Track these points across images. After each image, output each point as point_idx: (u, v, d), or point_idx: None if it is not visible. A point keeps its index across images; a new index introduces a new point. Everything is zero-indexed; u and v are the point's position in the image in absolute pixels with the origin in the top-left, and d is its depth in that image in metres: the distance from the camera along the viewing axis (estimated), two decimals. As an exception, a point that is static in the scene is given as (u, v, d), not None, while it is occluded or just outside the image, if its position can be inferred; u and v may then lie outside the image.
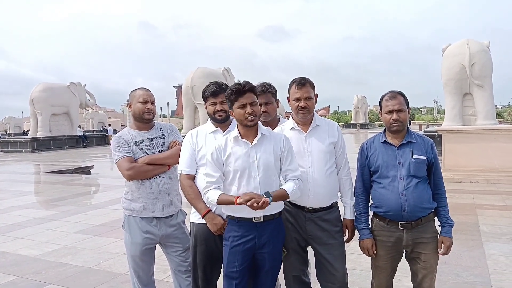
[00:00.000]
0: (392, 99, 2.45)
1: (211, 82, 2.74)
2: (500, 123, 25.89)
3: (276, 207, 2.40)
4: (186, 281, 2.76)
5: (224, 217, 2.48)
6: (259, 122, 2.44)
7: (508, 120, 42.47)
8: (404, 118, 2.43)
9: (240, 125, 2.40)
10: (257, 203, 2.16)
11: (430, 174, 2.48)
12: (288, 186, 2.38)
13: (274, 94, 3.00)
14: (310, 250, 2.71)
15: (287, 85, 2.70)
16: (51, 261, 4.66)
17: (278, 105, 3.07)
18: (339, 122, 57.08)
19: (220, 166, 2.37)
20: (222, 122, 2.65)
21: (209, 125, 2.73)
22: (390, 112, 2.44)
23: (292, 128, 2.64)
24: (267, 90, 2.93)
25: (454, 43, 13.75)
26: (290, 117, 2.72)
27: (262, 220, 2.35)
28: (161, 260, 3.50)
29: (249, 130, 2.38)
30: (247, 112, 2.32)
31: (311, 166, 2.55)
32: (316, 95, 2.66)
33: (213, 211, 2.52)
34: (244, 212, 2.31)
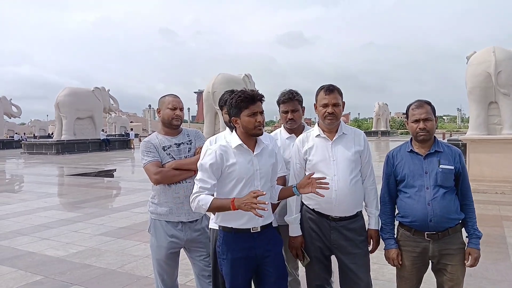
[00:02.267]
0: (419, 108, 2.44)
1: (226, 91, 2.80)
2: (527, 133, 25.16)
3: (269, 217, 2.38)
4: (209, 286, 2.78)
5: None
6: None
7: (535, 130, 41.21)
8: (431, 127, 2.41)
9: (243, 133, 2.34)
10: (258, 206, 2.05)
11: (458, 184, 2.44)
12: (278, 188, 2.56)
13: (300, 102, 3.01)
14: (333, 258, 2.70)
15: (307, 91, 2.72)
16: (75, 262, 4.77)
17: (303, 113, 3.09)
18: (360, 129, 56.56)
19: (217, 174, 2.29)
20: None
21: (228, 133, 2.74)
22: (417, 121, 2.42)
23: (318, 135, 2.63)
24: (294, 98, 2.94)
25: (480, 51, 13.45)
26: (316, 124, 2.72)
27: (259, 230, 2.32)
28: (183, 264, 3.53)
29: (250, 139, 2.36)
30: (258, 121, 2.29)
31: (336, 174, 2.54)
32: (343, 103, 2.65)
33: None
34: (241, 222, 2.28)
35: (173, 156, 2.77)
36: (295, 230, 2.65)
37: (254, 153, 2.36)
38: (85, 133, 29.12)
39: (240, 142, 2.34)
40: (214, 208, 2.24)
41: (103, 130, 32.08)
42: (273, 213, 2.54)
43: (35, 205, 8.50)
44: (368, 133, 49.80)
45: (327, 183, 2.33)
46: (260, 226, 2.33)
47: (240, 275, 2.32)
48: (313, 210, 2.62)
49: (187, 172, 2.74)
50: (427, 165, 2.42)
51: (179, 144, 2.82)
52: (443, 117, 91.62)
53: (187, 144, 2.85)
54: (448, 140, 16.85)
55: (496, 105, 13.03)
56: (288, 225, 2.69)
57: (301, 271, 3.02)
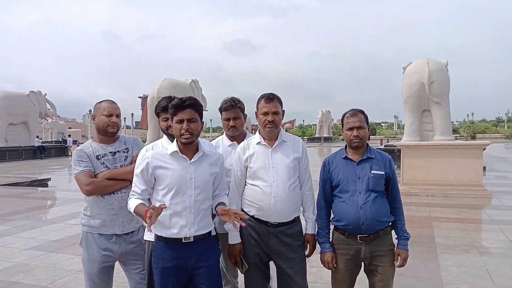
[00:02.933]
0: (353, 116, 2.54)
1: (163, 97, 2.75)
2: (456, 139, 27.07)
3: (205, 227, 2.34)
4: (145, 299, 2.70)
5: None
6: (200, 139, 2.41)
7: (463, 136, 44.50)
8: (364, 135, 2.52)
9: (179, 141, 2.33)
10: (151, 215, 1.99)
11: (388, 188, 2.57)
12: (225, 200, 2.45)
13: (242, 109, 3.03)
14: (272, 264, 2.73)
15: (254, 99, 2.74)
16: (0, 280, 4.41)
17: (245, 120, 3.11)
18: (304, 136, 57.94)
19: (148, 181, 2.28)
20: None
21: (165, 140, 2.72)
22: (351, 129, 2.52)
23: (259, 143, 2.67)
24: (236, 105, 2.97)
25: (415, 62, 14.34)
26: (257, 132, 2.75)
27: (192, 240, 2.29)
28: (119, 277, 3.40)
29: (188, 146, 2.32)
30: (183, 128, 2.26)
31: (275, 181, 2.58)
32: (283, 111, 2.71)
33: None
34: (173, 231, 2.25)
35: (108, 165, 2.65)
36: (234, 238, 2.65)
37: (191, 160, 2.32)
38: (18, 140, 27.27)
39: (176, 149, 2.30)
40: (136, 213, 2.25)
41: (38, 137, 30.22)
42: (212, 220, 2.52)
43: (-43, 219, 7.80)
44: (312, 139, 51.19)
45: (247, 217, 2.35)
46: (193, 236, 2.29)
47: (170, 285, 2.28)
48: (252, 216, 2.63)
49: (122, 182, 2.63)
50: (360, 170, 2.53)
51: (115, 153, 2.71)
52: (381, 124, 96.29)
53: (124, 152, 2.74)
54: (385, 146, 17.74)
55: (429, 113, 13.94)
56: (227, 233, 2.68)
57: (240, 279, 3.01)
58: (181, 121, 2.27)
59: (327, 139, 47.96)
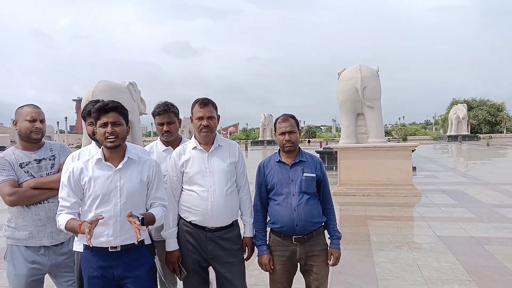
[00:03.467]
0: (284, 121, 2.63)
1: (90, 101, 2.67)
2: (389, 140, 28.61)
3: (134, 237, 2.13)
4: (78, 312, 2.58)
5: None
6: (127, 144, 2.36)
7: (395, 138, 47.20)
8: (295, 139, 2.61)
9: (104, 146, 2.26)
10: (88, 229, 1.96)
11: (320, 190, 2.67)
12: (156, 211, 2.30)
13: (177, 114, 3.00)
14: (211, 269, 2.72)
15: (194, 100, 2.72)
16: None
17: (180, 125, 3.08)
18: (247, 139, 58.35)
19: (77, 191, 2.20)
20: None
21: (94, 147, 2.63)
22: (283, 133, 2.61)
23: (195, 148, 2.66)
24: (170, 110, 2.93)
25: (348, 68, 14.96)
26: (193, 137, 2.74)
27: (119, 249, 2.22)
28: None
29: (114, 153, 2.26)
30: (107, 131, 2.21)
31: (212, 185, 2.59)
32: (218, 116, 2.72)
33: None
34: (98, 241, 2.17)
35: (32, 173, 2.52)
36: (172, 245, 2.62)
37: (116, 168, 2.24)
38: None
39: (99, 156, 2.23)
40: (68, 228, 2.14)
41: (-41, 143, 27.79)
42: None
43: None
44: (255, 143, 51.69)
45: (144, 229, 2.21)
46: (121, 246, 2.22)
47: None
48: (189, 222, 2.62)
49: (49, 191, 2.51)
50: (293, 173, 2.61)
51: (40, 160, 2.57)
52: (320, 127, 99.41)
53: (50, 159, 2.61)
54: (323, 148, 18.34)
55: (363, 116, 14.59)
56: (164, 240, 2.64)
57: (180, 286, 2.97)
58: (105, 125, 2.21)
59: (270, 142, 48.66)
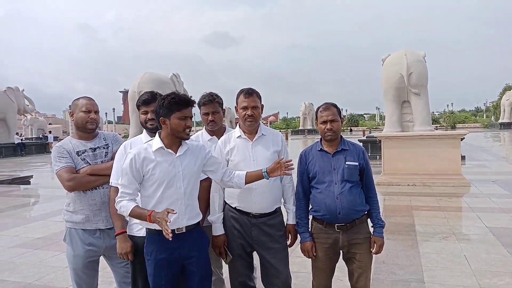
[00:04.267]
0: (326, 110, 2.63)
1: (146, 92, 2.79)
2: (436, 129, 27.57)
3: (195, 217, 2.41)
4: (131, 292, 2.74)
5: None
6: None
7: (443, 126, 45.34)
8: (337, 128, 2.61)
9: (169, 135, 2.36)
10: (167, 231, 2.08)
11: (363, 179, 2.66)
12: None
13: (221, 104, 3.07)
14: (255, 255, 2.80)
15: (235, 91, 2.79)
16: (-14, 278, 4.40)
17: (224, 115, 3.15)
18: (288, 128, 58.14)
19: (138, 177, 2.31)
20: (154, 131, 2.66)
21: (145, 136, 2.74)
22: (325, 122, 2.61)
23: (239, 137, 2.73)
24: (214, 100, 3.00)
25: (393, 54, 14.54)
26: (237, 126, 2.81)
27: (184, 230, 2.36)
28: (106, 272, 3.42)
29: (173, 141, 2.38)
30: (187, 125, 2.34)
31: None
32: (262, 105, 2.77)
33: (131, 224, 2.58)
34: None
35: (88, 161, 2.68)
36: (218, 229, 2.71)
37: (177, 154, 2.37)
38: (-3, 137, 26.77)
39: (161, 145, 2.34)
40: (134, 216, 2.28)
41: (17, 134, 29.66)
42: (204, 213, 2.59)
43: None
44: (296, 132, 51.43)
45: (293, 165, 2.50)
46: (185, 227, 2.36)
47: (163, 275, 2.33)
48: (235, 208, 2.70)
49: (104, 177, 2.66)
50: (335, 162, 2.62)
51: (95, 149, 2.74)
52: (364, 115, 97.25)
53: (104, 148, 2.77)
54: (366, 137, 17.99)
55: (409, 104, 14.18)
56: (211, 225, 2.74)
57: (225, 270, 3.08)
58: (185, 118, 2.34)
59: (310, 131, 48.22)
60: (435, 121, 49.13)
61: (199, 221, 2.47)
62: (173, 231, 2.29)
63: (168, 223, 2.09)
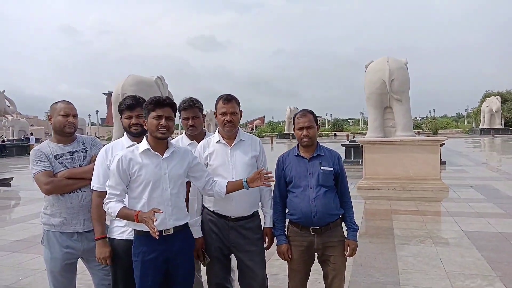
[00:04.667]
0: (302, 117, 2.71)
1: (128, 96, 2.83)
2: (418, 134, 27.95)
3: (182, 218, 2.47)
4: (109, 295, 2.75)
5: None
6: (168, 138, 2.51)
7: (425, 131, 46.08)
8: (313, 134, 2.69)
9: (151, 137, 2.43)
10: (153, 229, 2.14)
11: (337, 184, 2.74)
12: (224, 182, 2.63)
13: (201, 109, 3.12)
14: (233, 257, 2.84)
15: (220, 94, 2.84)
16: (-39, 281, 4.33)
17: (204, 119, 3.20)
18: (273, 132, 58.33)
19: (125, 178, 2.35)
20: (138, 135, 2.71)
21: (126, 140, 2.77)
22: (301, 128, 2.69)
23: (218, 142, 2.78)
24: (194, 105, 3.05)
25: (376, 60, 14.74)
26: (216, 131, 2.86)
27: (171, 232, 2.41)
28: (85, 275, 3.43)
29: (159, 144, 2.43)
30: (161, 123, 2.38)
31: (234, 177, 2.70)
32: (241, 112, 2.83)
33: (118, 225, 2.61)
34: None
35: (66, 165, 2.70)
36: (196, 232, 2.75)
37: (163, 157, 2.42)
38: (-24, 139, 26.22)
39: (147, 147, 2.39)
40: (121, 216, 2.32)
41: (-2, 135, 29.10)
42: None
43: None
44: (281, 136, 51.64)
45: (272, 177, 2.57)
46: (172, 228, 2.40)
47: (150, 276, 2.37)
48: (213, 212, 2.75)
49: (82, 181, 2.68)
50: (310, 167, 2.69)
51: (73, 152, 2.75)
52: (348, 120, 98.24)
53: (82, 152, 2.79)
54: (349, 142, 18.20)
55: (391, 109, 14.36)
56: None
57: (203, 273, 3.11)
58: (159, 117, 2.38)
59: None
60: (417, 126, 49.90)
61: (186, 222, 2.51)
62: (160, 232, 2.32)
63: (154, 221, 2.14)
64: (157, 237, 2.13)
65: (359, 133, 48.69)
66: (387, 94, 13.92)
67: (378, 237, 5.60)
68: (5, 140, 33.67)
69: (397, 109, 14.08)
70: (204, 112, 3.21)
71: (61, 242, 2.68)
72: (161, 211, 2.22)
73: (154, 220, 2.15)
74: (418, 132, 38.84)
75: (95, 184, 2.59)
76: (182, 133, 3.23)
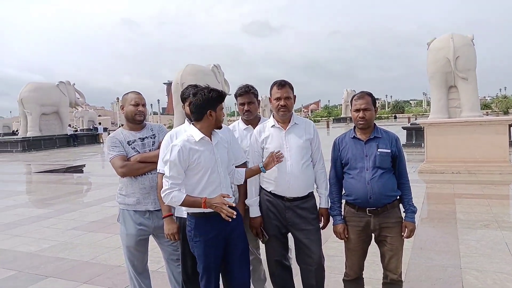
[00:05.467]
0: (360, 98, 2.72)
1: (190, 85, 3.00)
2: (487, 114, 26.25)
3: (232, 199, 2.61)
4: (177, 269, 3.00)
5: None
6: None
7: (495, 111, 43.04)
8: (369, 117, 2.69)
9: (209, 126, 2.56)
10: (229, 213, 2.37)
11: (395, 165, 2.73)
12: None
13: (256, 95, 3.24)
14: (290, 237, 2.97)
15: (275, 80, 2.94)
16: (48, 256, 4.88)
17: (259, 105, 3.32)
18: (329, 116, 57.46)
19: (185, 167, 2.48)
20: None
21: (187, 126, 2.93)
22: (358, 110, 2.70)
23: (273, 126, 2.90)
24: (250, 91, 3.18)
25: (439, 37, 14.05)
26: (271, 116, 2.97)
27: None
28: (155, 253, 3.73)
29: (208, 132, 2.58)
30: (223, 117, 2.59)
31: (289, 159, 2.81)
32: (294, 96, 2.92)
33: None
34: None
35: (138, 149, 2.94)
36: (254, 212, 2.90)
37: (214, 143, 2.58)
38: (51, 129, 28.48)
39: (202, 135, 2.55)
40: (187, 204, 2.48)
41: (70, 125, 31.39)
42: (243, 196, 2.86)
43: (3, 204, 8.44)
44: (338, 120, 50.76)
45: (282, 155, 2.72)
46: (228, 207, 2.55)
47: (212, 254, 2.55)
48: (270, 192, 2.88)
49: (152, 164, 2.91)
50: (367, 149, 2.71)
51: (143, 139, 3.00)
52: (410, 102, 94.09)
53: (151, 138, 3.03)
54: (411, 124, 17.53)
55: (456, 89, 13.71)
56: (248, 208, 2.94)
57: (262, 251, 3.27)
58: (222, 109, 2.58)
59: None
60: (486, 106, 46.72)
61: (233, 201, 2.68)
62: (217, 213, 2.46)
63: (227, 205, 2.37)
64: (234, 216, 2.37)
65: (421, 115, 46.56)
66: (451, 72, 13.29)
67: (439, 221, 5.46)
68: (78, 130, 36.25)
69: (463, 89, 13.40)
70: (259, 98, 3.33)
71: (135, 220, 2.95)
72: (230, 196, 2.40)
73: (226, 204, 2.36)
74: (487, 112, 36.39)
75: (160, 167, 2.79)
76: (238, 119, 3.38)
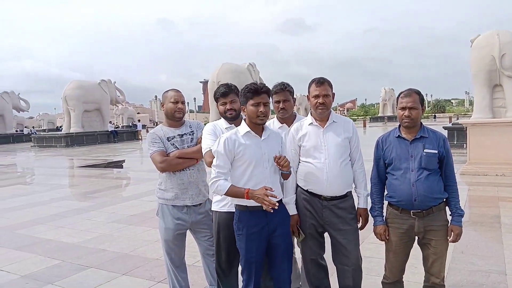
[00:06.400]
0: (407, 96, 2.62)
1: (221, 84, 3.03)
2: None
3: (278, 195, 2.59)
4: (213, 264, 3.03)
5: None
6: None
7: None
8: (415, 116, 2.58)
9: (249, 122, 2.59)
10: (270, 204, 2.35)
11: (442, 167, 2.62)
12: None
13: (291, 93, 3.22)
14: (326, 236, 2.94)
15: (309, 79, 2.91)
16: (90, 247, 5.06)
17: (294, 103, 3.30)
18: (366, 115, 56.36)
19: (230, 158, 2.52)
20: (233, 119, 2.93)
21: (224, 122, 2.99)
22: (403, 108, 2.60)
23: (311, 124, 2.86)
24: (285, 89, 3.15)
25: (483, 34, 13.45)
26: (309, 113, 2.94)
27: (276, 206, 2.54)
28: (191, 247, 3.79)
29: (256, 127, 2.59)
30: (260, 111, 2.53)
31: (327, 158, 2.77)
32: (333, 94, 2.87)
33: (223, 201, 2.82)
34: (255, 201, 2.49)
35: (177, 146, 3.00)
36: (291, 210, 2.87)
37: (262, 138, 2.60)
38: (93, 126, 29.53)
39: (248, 129, 2.58)
40: (230, 194, 2.52)
41: (110, 122, 32.46)
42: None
43: (48, 196, 8.84)
44: (375, 119, 49.69)
45: (286, 159, 2.59)
46: None
47: (254, 248, 2.57)
48: (306, 191, 2.85)
49: (190, 160, 2.97)
50: (412, 149, 2.61)
51: (182, 135, 3.05)
52: (451, 101, 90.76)
53: (190, 134, 3.07)
54: (452, 124, 16.91)
55: (501, 88, 13.07)
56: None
57: (296, 250, 3.25)
58: (258, 104, 2.55)
59: (391, 118, 46.19)
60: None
61: (281, 198, 2.67)
62: (261, 208, 2.47)
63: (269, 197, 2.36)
64: (276, 207, 2.36)
65: (464, 114, 44.83)
66: (496, 70, 12.67)
67: (482, 225, 5.23)
68: (118, 127, 37.48)
69: (509, 87, 12.74)
70: (294, 96, 3.31)
71: (173, 214, 3.01)
72: (273, 190, 2.40)
73: (269, 196, 2.36)
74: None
75: (205, 147, 2.80)
76: (273, 117, 3.37)
